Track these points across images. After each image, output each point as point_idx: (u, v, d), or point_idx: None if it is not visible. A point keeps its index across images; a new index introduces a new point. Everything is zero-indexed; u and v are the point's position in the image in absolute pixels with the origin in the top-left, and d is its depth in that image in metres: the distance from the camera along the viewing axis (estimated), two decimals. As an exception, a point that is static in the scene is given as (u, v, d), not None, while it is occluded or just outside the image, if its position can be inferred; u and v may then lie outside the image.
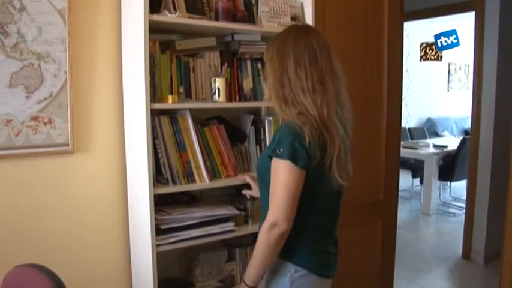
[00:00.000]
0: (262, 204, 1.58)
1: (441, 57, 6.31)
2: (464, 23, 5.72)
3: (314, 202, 1.49)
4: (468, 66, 8.51)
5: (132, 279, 2.14)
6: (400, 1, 2.78)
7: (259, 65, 2.24)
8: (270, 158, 1.45)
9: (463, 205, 4.76)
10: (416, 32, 6.61)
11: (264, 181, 1.51)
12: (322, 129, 1.42)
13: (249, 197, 2.13)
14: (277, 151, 1.41)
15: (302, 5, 2.31)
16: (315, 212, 1.50)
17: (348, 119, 1.54)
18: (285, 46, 1.50)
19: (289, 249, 1.48)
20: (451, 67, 8.45)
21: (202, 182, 1.98)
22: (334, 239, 1.61)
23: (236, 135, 2.22)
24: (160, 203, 1.99)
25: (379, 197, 2.84)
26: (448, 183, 6.09)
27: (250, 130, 2.24)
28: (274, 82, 1.51)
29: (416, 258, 4.08)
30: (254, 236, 2.30)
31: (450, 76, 8.50)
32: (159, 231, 1.88)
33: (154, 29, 1.84)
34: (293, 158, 1.38)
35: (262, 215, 1.51)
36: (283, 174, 1.40)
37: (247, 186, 2.02)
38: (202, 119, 2.15)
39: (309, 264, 1.50)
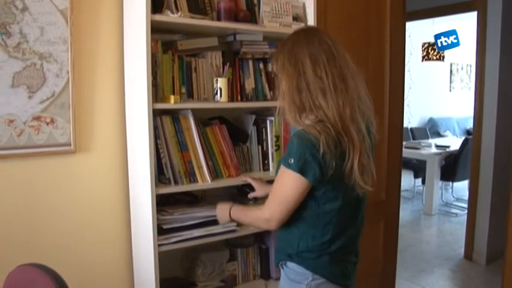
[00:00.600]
0: None
1: (443, 57, 6.30)
2: (465, 23, 5.71)
3: (335, 212, 1.46)
4: (470, 66, 8.50)
5: (134, 279, 2.14)
6: (402, 1, 2.78)
7: (261, 65, 2.24)
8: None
9: (465, 205, 4.76)
10: (418, 32, 6.61)
11: None
12: (342, 135, 1.37)
13: (251, 198, 2.13)
14: (289, 161, 1.39)
15: (304, 5, 2.31)
16: (337, 222, 1.47)
17: (370, 116, 1.50)
18: (297, 49, 1.45)
19: (309, 256, 1.48)
20: (453, 67, 8.45)
21: (204, 182, 1.98)
22: (355, 248, 1.58)
23: (238, 135, 2.22)
24: (162, 203, 1.99)
25: (381, 197, 2.84)
26: (450, 183, 6.09)
27: (252, 130, 2.24)
28: (290, 89, 1.44)
29: (418, 259, 4.08)
30: (255, 236, 2.32)
31: (452, 76, 8.49)
32: (161, 231, 1.89)
33: (156, 29, 1.84)
34: (302, 171, 1.37)
35: None
36: (288, 185, 1.41)
37: (251, 187, 2.01)
38: (204, 119, 2.15)
39: (327, 273, 1.48)
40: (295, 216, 1.48)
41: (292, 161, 1.38)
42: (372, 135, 1.54)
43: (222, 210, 1.77)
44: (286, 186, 1.42)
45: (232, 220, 1.76)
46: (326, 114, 1.39)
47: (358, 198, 1.50)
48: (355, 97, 1.42)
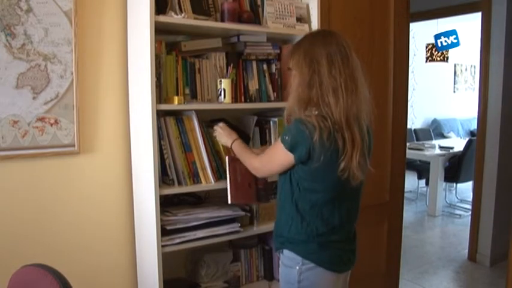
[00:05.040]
0: (279, 192, 1.70)
1: (447, 58, 6.28)
2: (468, 24, 5.70)
3: (322, 201, 1.56)
4: (474, 67, 8.48)
5: (138, 280, 2.14)
6: (406, 2, 2.77)
7: (264, 66, 2.23)
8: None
9: (469, 207, 4.74)
10: (422, 33, 6.59)
11: (284, 173, 1.64)
12: (343, 132, 1.48)
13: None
14: (286, 137, 1.55)
15: (308, 6, 2.30)
16: (323, 209, 1.57)
17: (371, 119, 1.63)
18: (313, 49, 1.54)
19: (298, 242, 1.59)
20: (457, 68, 8.43)
21: (208, 183, 1.98)
22: (347, 234, 1.66)
23: (240, 137, 2.21)
24: (166, 204, 1.99)
25: (384, 198, 2.83)
26: (454, 184, 6.07)
27: (254, 131, 2.23)
28: (300, 84, 1.55)
29: (422, 260, 4.07)
30: (259, 237, 2.31)
31: (456, 77, 8.47)
32: (164, 232, 1.89)
33: (160, 30, 1.85)
34: (291, 149, 1.53)
35: (279, 202, 1.69)
36: (278, 154, 1.59)
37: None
38: (206, 122, 2.14)
39: (316, 258, 1.58)
40: (287, 202, 1.62)
41: (287, 138, 1.54)
42: (370, 138, 1.65)
43: (225, 136, 1.92)
44: (277, 154, 1.60)
45: (230, 148, 1.90)
46: (331, 111, 1.49)
47: (354, 189, 1.61)
48: (362, 99, 1.54)
